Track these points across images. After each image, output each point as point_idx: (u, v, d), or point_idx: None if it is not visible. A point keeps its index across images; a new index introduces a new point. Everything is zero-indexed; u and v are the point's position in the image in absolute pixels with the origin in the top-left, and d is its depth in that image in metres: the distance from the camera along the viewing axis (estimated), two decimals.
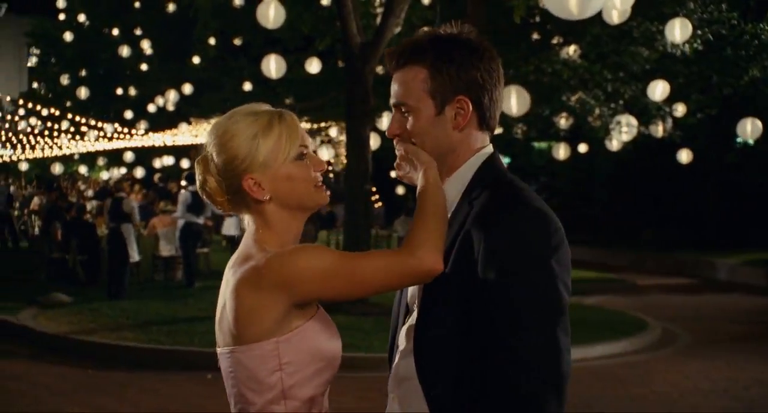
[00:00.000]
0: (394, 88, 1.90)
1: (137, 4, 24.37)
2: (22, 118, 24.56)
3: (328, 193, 1.91)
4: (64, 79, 26.18)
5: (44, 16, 31.57)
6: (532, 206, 1.75)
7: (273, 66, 11.88)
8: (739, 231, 21.10)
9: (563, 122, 15.87)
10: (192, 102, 22.90)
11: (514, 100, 10.50)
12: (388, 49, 1.94)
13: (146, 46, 22.07)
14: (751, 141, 18.68)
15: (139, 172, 23.49)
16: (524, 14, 12.14)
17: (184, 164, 22.23)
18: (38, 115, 24.23)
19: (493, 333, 1.67)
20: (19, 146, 26.85)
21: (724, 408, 7.20)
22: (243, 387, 1.78)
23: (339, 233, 15.26)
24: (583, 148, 18.72)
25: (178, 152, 24.00)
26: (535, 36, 15.61)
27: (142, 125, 24.51)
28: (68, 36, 23.64)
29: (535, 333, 1.66)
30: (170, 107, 21.23)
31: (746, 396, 7.60)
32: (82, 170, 30.83)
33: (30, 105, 23.87)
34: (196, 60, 21.27)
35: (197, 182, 1.87)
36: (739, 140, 20.68)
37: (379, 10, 13.34)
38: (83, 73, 28.69)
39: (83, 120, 23.36)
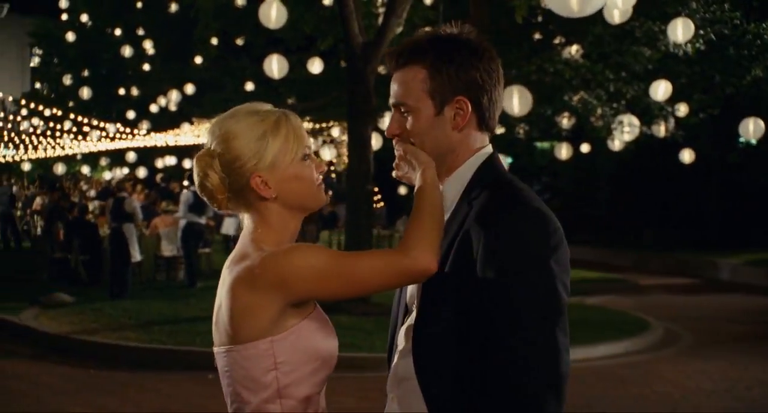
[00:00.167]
0: (394, 88, 1.90)
1: (139, 5, 24.38)
2: (24, 118, 24.54)
3: (330, 193, 1.91)
4: (67, 80, 26.17)
5: (47, 16, 31.56)
6: (532, 206, 1.75)
7: (275, 66, 11.88)
8: (741, 231, 21.08)
9: (565, 121, 15.86)
10: (194, 102, 22.92)
11: (517, 100, 10.48)
12: (389, 49, 1.94)
13: (148, 46, 22.07)
14: (753, 141, 18.70)
15: (142, 172, 23.53)
16: (526, 14, 12.15)
17: (187, 164, 22.22)
18: (41, 115, 24.20)
19: (492, 333, 1.67)
20: (21, 146, 26.84)
21: (726, 408, 7.18)
22: (239, 386, 1.79)
23: (341, 234, 15.25)
24: (585, 148, 18.74)
25: (181, 152, 24.00)
26: (537, 36, 15.62)
27: (145, 125, 24.51)
28: (71, 36, 23.67)
29: (534, 333, 1.66)
30: (172, 107, 21.27)
31: (748, 397, 7.59)
32: (85, 170, 30.90)
33: (32, 105, 23.84)
34: (198, 60, 21.27)
35: (196, 179, 1.86)
36: (741, 139, 20.69)
37: (381, 10, 13.33)
38: (86, 73, 28.69)
39: (86, 120, 23.34)
